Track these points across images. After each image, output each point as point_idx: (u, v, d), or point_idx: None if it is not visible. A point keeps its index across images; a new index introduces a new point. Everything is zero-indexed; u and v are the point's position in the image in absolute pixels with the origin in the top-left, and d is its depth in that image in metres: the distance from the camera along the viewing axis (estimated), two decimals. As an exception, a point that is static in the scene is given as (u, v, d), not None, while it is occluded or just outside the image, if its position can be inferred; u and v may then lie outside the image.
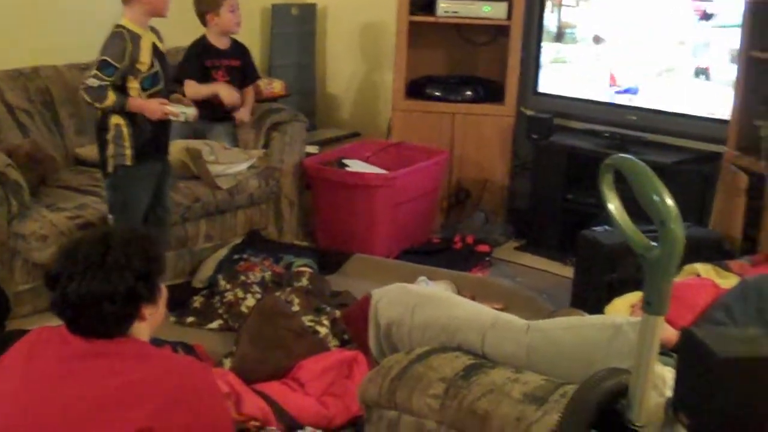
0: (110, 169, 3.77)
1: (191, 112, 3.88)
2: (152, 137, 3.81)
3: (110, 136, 3.72)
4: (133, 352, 2.08)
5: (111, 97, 3.63)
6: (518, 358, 2.27)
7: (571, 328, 2.31)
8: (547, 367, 2.21)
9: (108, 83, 3.60)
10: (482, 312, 2.49)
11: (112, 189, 3.82)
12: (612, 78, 4.89)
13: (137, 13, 3.67)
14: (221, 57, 4.80)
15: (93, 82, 3.60)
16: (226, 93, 4.69)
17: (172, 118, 3.82)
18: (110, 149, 3.74)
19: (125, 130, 3.71)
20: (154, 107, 3.75)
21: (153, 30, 3.78)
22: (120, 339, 2.09)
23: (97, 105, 3.66)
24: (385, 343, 2.57)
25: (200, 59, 4.75)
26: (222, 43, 4.81)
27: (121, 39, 3.62)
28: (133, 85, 3.69)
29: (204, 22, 4.76)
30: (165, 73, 3.82)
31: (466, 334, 2.38)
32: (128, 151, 3.74)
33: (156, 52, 3.74)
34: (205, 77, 4.73)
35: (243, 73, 4.88)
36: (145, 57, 3.69)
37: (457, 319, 2.46)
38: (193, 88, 4.64)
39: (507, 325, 2.38)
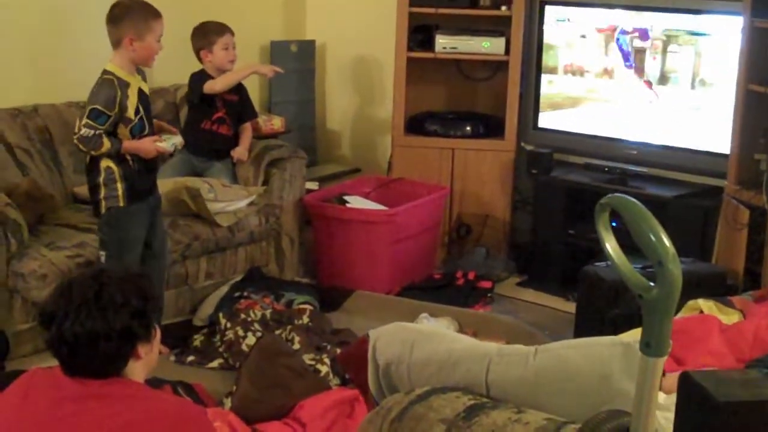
0: (103, 210, 3.76)
1: (178, 140, 3.90)
2: (142, 176, 3.80)
3: (101, 179, 3.71)
4: (127, 394, 2.06)
5: (106, 144, 3.62)
6: (526, 382, 2.25)
7: (580, 347, 2.29)
8: (558, 388, 2.19)
9: (102, 131, 3.60)
10: (484, 344, 2.47)
11: (107, 226, 3.79)
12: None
13: (125, 59, 3.67)
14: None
15: (87, 132, 3.59)
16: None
17: (171, 149, 3.84)
18: (102, 192, 3.73)
19: (116, 172, 3.70)
20: (148, 147, 3.74)
21: (139, 71, 3.80)
22: (115, 379, 2.07)
23: (93, 153, 3.65)
24: (384, 382, 2.54)
25: (201, 88, 4.75)
26: None
27: (110, 87, 3.62)
28: (124, 132, 3.68)
29: (199, 58, 4.78)
30: (149, 116, 3.80)
31: (467, 366, 2.36)
32: (120, 193, 3.72)
33: (141, 97, 3.72)
34: (203, 107, 4.75)
35: (240, 109, 4.89)
36: (132, 105, 3.67)
37: (457, 352, 2.44)
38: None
39: (513, 350, 2.36)
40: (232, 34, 4.79)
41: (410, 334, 2.56)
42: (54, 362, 2.10)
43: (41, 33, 4.67)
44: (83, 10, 4.77)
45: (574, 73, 5.02)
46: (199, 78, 4.76)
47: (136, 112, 3.69)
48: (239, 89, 4.90)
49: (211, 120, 4.78)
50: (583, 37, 4.96)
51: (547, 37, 5.05)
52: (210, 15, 4.98)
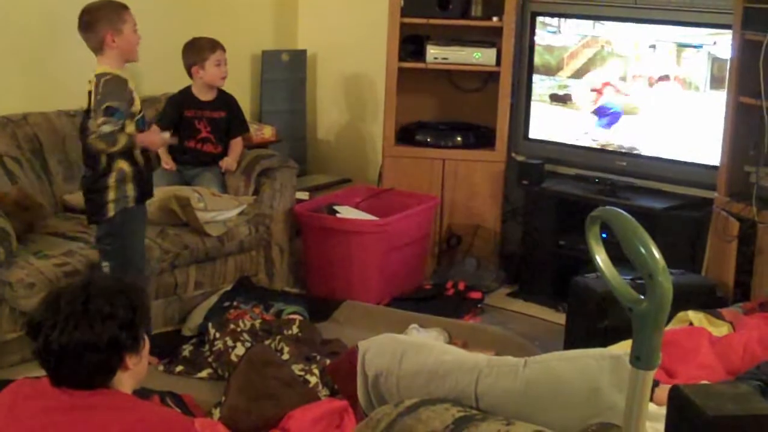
0: (111, 213, 3.76)
1: (167, 136, 4.12)
2: (149, 179, 3.88)
3: (112, 180, 3.73)
4: (115, 405, 2.06)
5: (122, 140, 3.67)
6: (516, 393, 2.24)
7: (570, 360, 2.29)
8: (548, 401, 2.18)
9: (119, 127, 3.64)
10: (474, 355, 2.47)
11: (111, 235, 3.81)
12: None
13: (114, 59, 3.72)
14: (203, 108, 4.82)
15: (107, 128, 3.62)
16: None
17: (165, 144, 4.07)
18: (111, 194, 3.74)
19: (129, 173, 3.75)
20: (155, 138, 3.88)
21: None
22: (102, 390, 2.06)
23: (111, 149, 3.68)
24: (373, 394, 2.54)
25: (180, 109, 4.79)
26: (206, 95, 4.83)
27: (120, 83, 3.68)
28: (130, 128, 3.72)
29: (190, 74, 4.78)
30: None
31: (457, 377, 2.36)
32: (131, 193, 3.77)
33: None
34: (185, 127, 4.74)
35: (228, 124, 4.88)
36: (137, 99, 3.75)
37: (447, 363, 2.44)
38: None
39: (503, 361, 2.36)
40: (224, 50, 4.79)
41: (400, 346, 2.56)
42: (42, 372, 2.09)
43: (31, 41, 4.67)
44: (74, 18, 4.75)
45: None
46: (175, 101, 4.81)
47: (141, 108, 3.77)
48: (228, 104, 4.90)
49: (196, 139, 4.79)
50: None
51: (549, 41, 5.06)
52: (201, 24, 4.98)
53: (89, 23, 3.72)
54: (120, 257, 3.82)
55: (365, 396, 2.58)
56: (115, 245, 3.82)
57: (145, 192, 3.86)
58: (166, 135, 4.06)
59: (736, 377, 2.73)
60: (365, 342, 2.64)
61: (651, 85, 4.71)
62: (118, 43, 3.69)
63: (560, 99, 5.07)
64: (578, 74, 4.98)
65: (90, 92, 3.73)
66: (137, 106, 3.75)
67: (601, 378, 2.15)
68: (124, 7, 3.77)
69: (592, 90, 4.93)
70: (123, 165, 3.73)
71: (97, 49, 3.72)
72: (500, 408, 2.26)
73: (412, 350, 2.51)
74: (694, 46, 4.54)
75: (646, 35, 4.71)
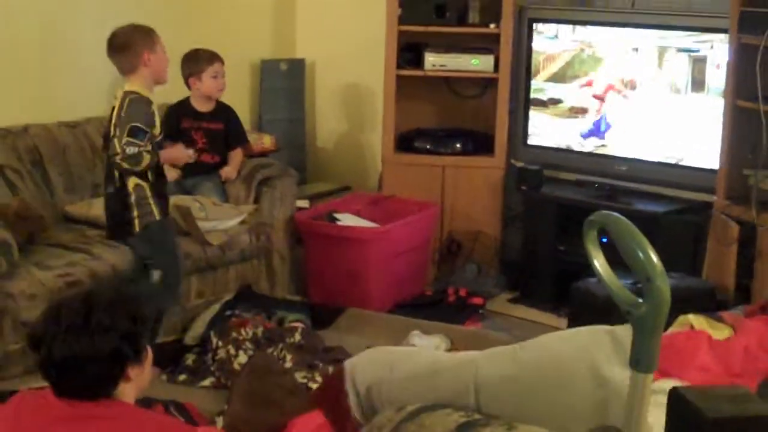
0: (138, 228, 3.84)
1: (191, 152, 4.23)
2: (164, 194, 3.94)
3: (133, 199, 3.81)
4: (117, 415, 2.06)
5: (146, 159, 3.72)
6: (515, 378, 2.25)
7: (565, 339, 2.33)
8: (548, 381, 2.20)
9: (144, 147, 3.69)
10: (468, 352, 2.49)
11: (147, 242, 3.91)
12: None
13: (145, 81, 3.78)
14: (200, 119, 4.83)
15: (132, 150, 3.67)
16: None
17: (191, 160, 4.18)
18: (134, 211, 3.82)
19: (146, 189, 3.81)
20: (180, 154, 4.05)
21: None
22: (104, 401, 2.07)
23: (136, 169, 3.74)
24: (367, 408, 2.55)
25: (177, 119, 4.80)
26: (204, 106, 4.85)
27: (146, 104, 3.74)
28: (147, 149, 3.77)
29: (187, 85, 4.80)
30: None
31: (455, 372, 2.37)
32: (154, 208, 3.84)
33: (160, 118, 3.87)
34: (182, 138, 4.74)
35: (226, 136, 4.90)
36: (158, 123, 3.80)
37: (441, 362, 2.46)
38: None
39: (498, 350, 2.39)
40: (223, 63, 4.81)
41: (388, 356, 2.58)
42: (45, 383, 2.10)
43: (32, 53, 4.68)
44: (75, 30, 4.79)
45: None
46: (173, 111, 4.83)
47: (160, 131, 3.83)
48: (226, 115, 4.91)
49: (193, 150, 4.80)
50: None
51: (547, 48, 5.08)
52: (200, 34, 4.99)
53: (125, 45, 3.77)
54: (168, 265, 3.96)
55: (360, 412, 2.59)
56: (156, 251, 3.93)
57: (163, 206, 3.92)
58: (190, 152, 4.16)
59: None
60: (351, 360, 2.67)
61: (644, 89, 4.73)
62: (152, 62, 3.76)
63: (540, 104, 5.12)
64: (558, 78, 5.02)
65: (114, 108, 3.79)
66: (157, 128, 3.79)
67: (598, 353, 2.17)
68: (153, 30, 3.85)
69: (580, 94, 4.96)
70: (137, 181, 3.79)
71: (130, 70, 3.77)
72: (501, 396, 2.27)
73: (403, 358, 2.53)
74: (690, 51, 4.55)
75: (641, 40, 4.71)
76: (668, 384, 2.16)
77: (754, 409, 1.42)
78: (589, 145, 4.97)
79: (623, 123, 4.85)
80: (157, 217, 3.85)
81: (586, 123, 4.97)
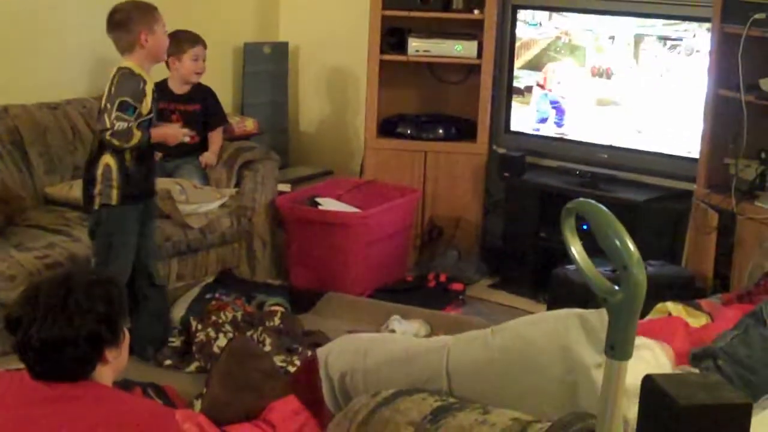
0: (96, 206, 3.71)
1: (186, 131, 4.08)
2: (141, 180, 3.78)
3: (99, 173, 3.67)
4: (96, 396, 2.06)
5: (137, 135, 3.62)
6: (487, 362, 2.27)
7: (536, 323, 2.36)
8: (520, 366, 2.23)
9: (133, 123, 3.60)
10: (441, 337, 2.50)
11: (95, 224, 3.76)
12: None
13: (142, 60, 3.68)
14: (177, 101, 4.81)
15: (121, 125, 3.58)
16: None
17: (186, 140, 4.03)
18: (97, 187, 3.69)
19: (114, 171, 3.67)
20: (174, 132, 3.89)
21: None
22: (82, 382, 2.07)
23: (126, 146, 3.63)
24: (340, 395, 2.56)
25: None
26: (180, 88, 4.83)
27: (135, 79, 3.63)
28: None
29: (167, 65, 4.75)
30: (156, 117, 3.83)
31: (426, 358, 2.38)
32: (114, 192, 3.68)
33: (153, 96, 3.73)
34: (159, 120, 4.71)
35: (204, 117, 4.87)
36: (148, 101, 3.68)
37: (414, 348, 2.47)
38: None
39: (470, 335, 2.41)
40: (205, 46, 4.79)
41: (361, 343, 2.59)
42: (22, 364, 2.09)
43: (12, 33, 4.64)
44: (55, 10, 4.75)
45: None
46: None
47: (150, 111, 3.70)
48: (203, 97, 4.89)
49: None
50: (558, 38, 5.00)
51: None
52: (183, 17, 4.96)
53: (122, 22, 3.66)
54: (103, 255, 3.76)
55: (332, 400, 2.60)
56: (99, 242, 3.78)
57: (134, 194, 3.74)
58: (185, 130, 4.03)
59: (691, 354, 2.77)
60: (324, 348, 2.68)
61: (623, 77, 4.74)
62: (150, 43, 3.65)
63: (518, 92, 5.15)
64: (532, 66, 5.05)
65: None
66: (147, 106, 3.67)
67: (569, 336, 2.19)
68: (155, 7, 3.73)
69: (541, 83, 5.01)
70: (109, 160, 3.67)
71: (127, 49, 3.67)
72: (473, 380, 2.29)
73: (376, 343, 2.54)
74: (673, 39, 4.56)
75: (627, 28, 4.72)
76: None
77: (727, 397, 1.43)
78: (572, 133, 4.98)
79: (605, 111, 4.86)
80: (114, 202, 3.69)
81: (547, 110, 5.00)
